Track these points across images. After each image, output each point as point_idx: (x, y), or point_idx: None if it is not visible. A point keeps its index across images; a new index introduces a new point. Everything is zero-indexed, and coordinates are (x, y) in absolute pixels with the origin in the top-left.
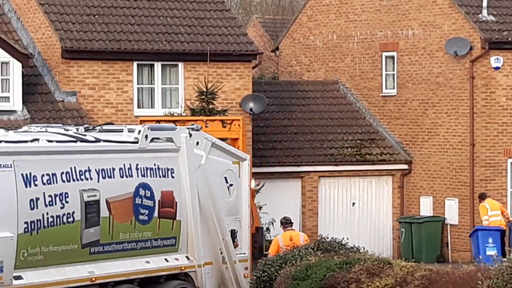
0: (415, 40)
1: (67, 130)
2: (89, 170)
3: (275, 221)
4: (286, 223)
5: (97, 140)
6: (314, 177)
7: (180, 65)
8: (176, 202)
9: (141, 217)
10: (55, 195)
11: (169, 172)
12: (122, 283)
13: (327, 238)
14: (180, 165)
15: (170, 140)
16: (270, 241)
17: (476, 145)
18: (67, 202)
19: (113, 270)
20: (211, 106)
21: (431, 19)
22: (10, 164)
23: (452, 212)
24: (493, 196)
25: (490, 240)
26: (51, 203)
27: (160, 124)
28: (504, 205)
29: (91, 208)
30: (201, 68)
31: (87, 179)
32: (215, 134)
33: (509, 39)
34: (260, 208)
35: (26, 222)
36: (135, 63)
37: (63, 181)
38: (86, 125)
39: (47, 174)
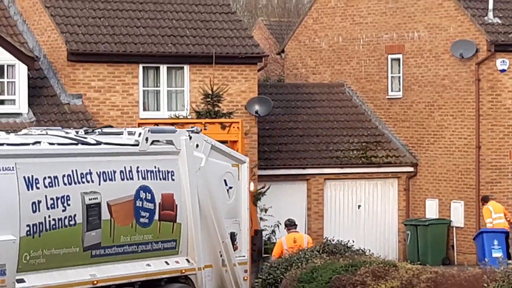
0: (421, 43)
1: (67, 133)
2: (90, 173)
3: (280, 224)
4: (290, 225)
5: (98, 143)
6: (319, 179)
7: (186, 67)
8: (176, 205)
9: (141, 220)
10: (57, 198)
11: (169, 174)
12: (124, 286)
13: (333, 240)
14: (180, 167)
15: (170, 142)
16: (274, 244)
17: (482, 148)
18: (68, 205)
19: (114, 273)
20: (216, 109)
21: (437, 21)
22: (12, 167)
23: (457, 214)
24: (498, 199)
25: (496, 242)
26: (53, 206)
27: (160, 126)
28: (510, 207)
29: (92, 211)
30: (206, 70)
31: (88, 182)
32: (214, 137)
33: None
34: (266, 210)
35: (28, 225)
36: (140, 66)
37: (65, 184)
38: (85, 128)
39: (49, 177)
